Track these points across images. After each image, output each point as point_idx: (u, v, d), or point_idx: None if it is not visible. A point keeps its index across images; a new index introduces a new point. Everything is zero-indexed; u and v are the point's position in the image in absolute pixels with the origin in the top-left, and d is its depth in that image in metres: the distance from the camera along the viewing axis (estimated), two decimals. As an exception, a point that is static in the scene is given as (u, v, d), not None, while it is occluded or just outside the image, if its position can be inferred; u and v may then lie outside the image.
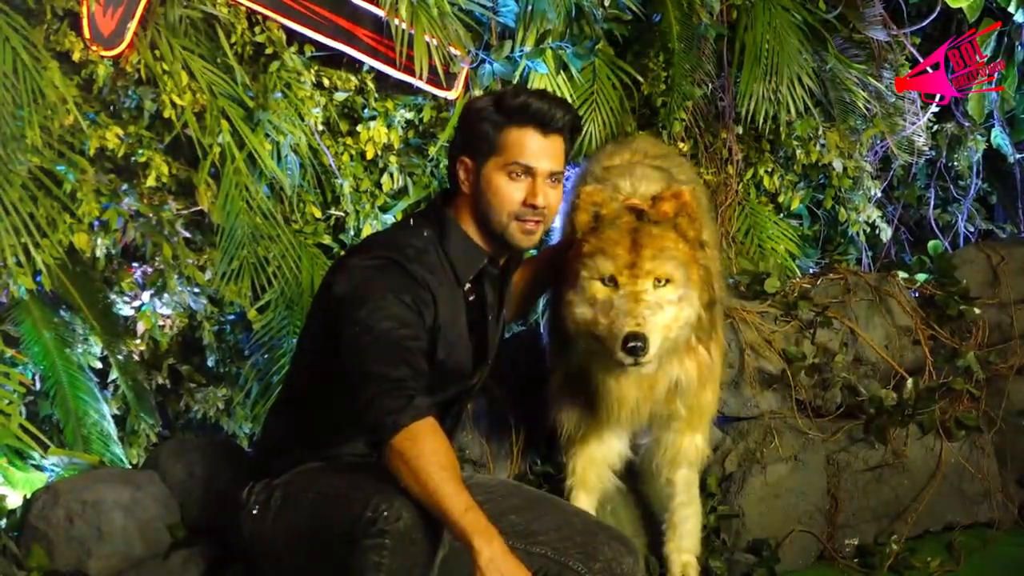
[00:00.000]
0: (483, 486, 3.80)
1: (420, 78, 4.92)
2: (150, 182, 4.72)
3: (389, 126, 5.09)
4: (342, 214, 5.12)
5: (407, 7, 4.78)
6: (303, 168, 4.99)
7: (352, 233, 5.10)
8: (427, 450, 3.26)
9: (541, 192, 3.61)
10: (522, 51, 5.14)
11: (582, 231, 3.85)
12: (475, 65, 5.16)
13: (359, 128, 5.08)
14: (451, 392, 3.74)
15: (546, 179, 3.63)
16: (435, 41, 4.85)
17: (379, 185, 5.16)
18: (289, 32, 4.89)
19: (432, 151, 5.18)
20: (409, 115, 5.15)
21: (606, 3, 5.26)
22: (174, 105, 4.70)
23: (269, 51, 4.87)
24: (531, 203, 3.60)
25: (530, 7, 5.09)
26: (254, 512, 3.65)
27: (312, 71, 4.96)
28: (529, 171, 3.60)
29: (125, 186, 4.73)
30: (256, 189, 4.88)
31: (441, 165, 5.20)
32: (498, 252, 3.73)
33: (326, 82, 5.03)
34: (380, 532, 3.27)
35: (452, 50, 4.96)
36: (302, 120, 4.92)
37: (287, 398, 3.86)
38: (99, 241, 4.68)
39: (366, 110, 5.09)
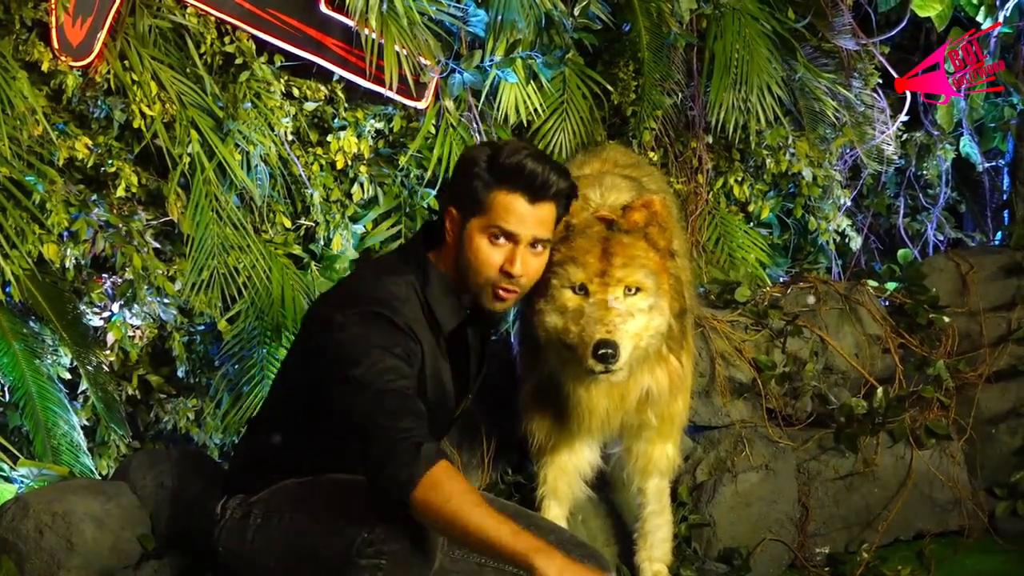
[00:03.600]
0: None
1: (390, 88, 4.92)
2: (119, 192, 4.71)
3: (359, 136, 5.09)
4: (312, 224, 5.11)
5: (377, 17, 4.77)
6: (273, 178, 4.99)
7: (322, 243, 5.10)
8: (453, 492, 3.18)
9: (520, 259, 3.53)
10: (492, 61, 5.14)
11: (552, 241, 3.83)
12: (445, 75, 5.16)
13: (329, 138, 5.07)
14: (437, 431, 3.71)
15: (528, 246, 3.56)
16: (405, 51, 4.85)
17: (349, 195, 5.16)
18: (259, 42, 4.89)
19: (402, 161, 5.17)
20: (379, 125, 5.15)
21: (576, 13, 5.27)
22: (143, 115, 4.70)
23: (239, 61, 4.86)
24: (507, 270, 3.53)
25: (500, 17, 5.09)
26: (231, 528, 3.64)
27: (282, 81, 4.96)
28: (511, 237, 3.53)
29: (94, 196, 4.72)
30: (226, 199, 4.87)
31: (412, 175, 5.21)
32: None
33: (296, 92, 5.02)
34: (378, 553, 3.26)
35: (422, 60, 4.96)
36: (272, 130, 4.91)
37: (268, 418, 3.83)
38: (68, 252, 4.66)
39: (336, 120, 5.09)
